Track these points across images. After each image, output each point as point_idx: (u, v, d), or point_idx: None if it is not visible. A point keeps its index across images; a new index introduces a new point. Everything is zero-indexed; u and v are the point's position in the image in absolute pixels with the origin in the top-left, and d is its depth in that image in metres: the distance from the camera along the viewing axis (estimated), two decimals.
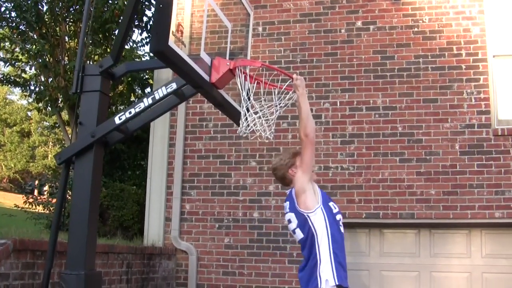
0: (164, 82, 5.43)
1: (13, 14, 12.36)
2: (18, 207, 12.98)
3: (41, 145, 48.20)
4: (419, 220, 8.39)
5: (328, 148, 8.79)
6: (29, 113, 47.80)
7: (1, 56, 14.92)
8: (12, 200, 22.46)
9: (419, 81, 8.70)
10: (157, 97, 5.22)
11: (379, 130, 8.69)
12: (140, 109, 5.22)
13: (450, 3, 8.85)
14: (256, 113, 4.97)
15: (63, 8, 12.32)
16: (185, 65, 4.60)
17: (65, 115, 14.22)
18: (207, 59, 5.05)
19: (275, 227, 8.71)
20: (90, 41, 11.79)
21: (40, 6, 12.34)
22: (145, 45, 14.05)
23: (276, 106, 4.99)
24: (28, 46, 12.15)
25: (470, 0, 8.81)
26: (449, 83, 8.62)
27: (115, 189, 10.77)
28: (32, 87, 13.40)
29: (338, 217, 4.69)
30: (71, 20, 12.61)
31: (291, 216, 4.68)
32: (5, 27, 12.87)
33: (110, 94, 6.54)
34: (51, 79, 12.42)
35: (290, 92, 5.02)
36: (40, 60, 12.34)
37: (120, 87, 13.52)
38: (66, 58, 12.44)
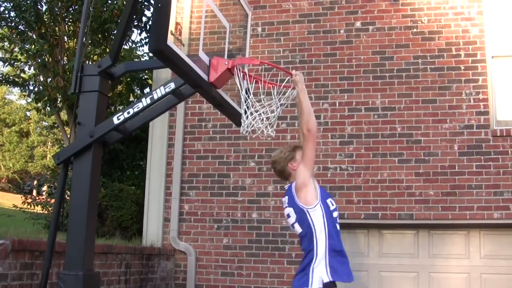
0: (163, 82, 5.42)
1: (12, 14, 12.36)
2: (17, 207, 12.97)
3: (40, 145, 48.25)
4: (418, 221, 8.40)
5: (327, 149, 8.79)
6: (28, 113, 47.86)
7: (0, 56, 14.90)
8: (11, 200, 22.48)
9: (418, 82, 8.70)
10: (155, 97, 5.21)
11: (378, 131, 8.69)
12: (139, 109, 5.21)
13: (449, 4, 8.86)
14: (256, 111, 4.97)
15: (62, 8, 12.32)
16: (184, 65, 4.60)
17: (64, 115, 14.22)
18: (205, 58, 5.05)
19: (274, 228, 8.71)
20: (89, 41, 11.79)
21: (39, 6, 12.34)
22: (145, 45, 14.07)
23: (277, 103, 4.99)
24: (27, 46, 12.14)
25: (469, 1, 8.82)
26: (448, 83, 8.62)
27: (114, 189, 10.77)
28: (31, 87, 13.39)
29: (335, 214, 4.69)
30: (71, 20, 12.61)
31: (290, 210, 4.69)
32: (4, 27, 12.86)
33: (109, 94, 6.54)
34: (50, 79, 12.42)
35: (290, 89, 5.02)
36: (39, 60, 12.33)
37: (119, 87, 13.51)
38: (65, 58, 12.44)
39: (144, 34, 13.89)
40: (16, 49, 12.89)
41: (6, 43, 13.27)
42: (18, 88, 14.18)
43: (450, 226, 8.46)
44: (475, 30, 8.73)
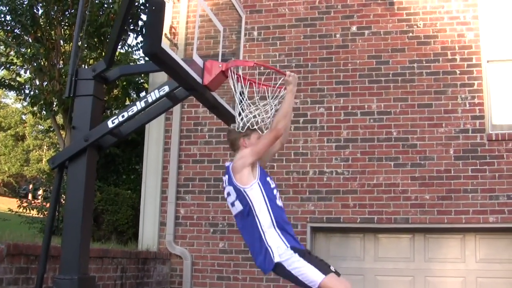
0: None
1: (8, 17, 12.35)
2: (12, 211, 12.96)
3: (36, 148, 48.17)
4: (413, 225, 8.39)
5: (323, 153, 8.79)
6: (23, 117, 47.76)
7: None
8: (6, 204, 22.42)
9: (414, 86, 8.71)
10: (149, 100, 5.21)
11: (374, 135, 8.69)
12: (133, 112, 5.21)
13: (444, 9, 8.88)
14: (251, 112, 4.98)
15: (58, 11, 12.31)
16: (178, 67, 4.60)
17: (59, 119, 14.19)
18: (199, 61, 5.05)
19: None
20: (85, 45, 11.78)
21: (35, 10, 12.33)
22: (140, 49, 14.04)
23: (271, 105, 5.00)
24: (23, 50, 12.13)
25: (465, 6, 8.84)
26: (443, 88, 8.63)
27: (109, 193, 10.75)
28: (27, 91, 13.36)
29: (275, 191, 4.80)
30: (67, 24, 12.59)
31: (230, 189, 4.79)
32: (0, 31, 12.85)
33: (105, 98, 6.54)
34: (46, 82, 12.40)
35: (283, 90, 5.03)
36: (35, 64, 12.32)
37: (115, 91, 13.50)
38: (61, 61, 12.43)
39: (140, 38, 13.86)
40: (12, 52, 12.88)
41: (2, 47, 13.27)
42: (14, 91, 14.17)
43: (446, 230, 8.47)
44: (471, 34, 8.74)
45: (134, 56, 14.74)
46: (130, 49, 13.82)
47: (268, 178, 4.81)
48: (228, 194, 4.82)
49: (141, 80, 14.09)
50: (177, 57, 4.60)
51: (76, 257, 4.99)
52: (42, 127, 40.97)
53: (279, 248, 4.53)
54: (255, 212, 4.62)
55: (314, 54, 9.12)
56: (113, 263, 7.33)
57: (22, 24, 11.92)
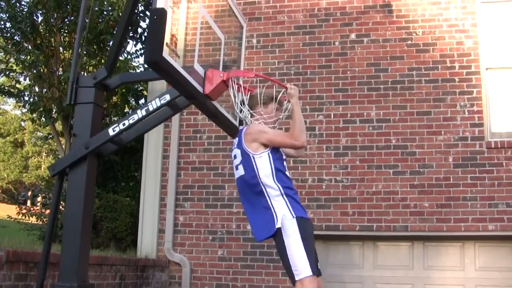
0: (158, 94, 5.43)
1: (8, 24, 12.37)
2: (11, 218, 12.94)
3: (35, 155, 48.17)
4: (412, 233, 8.40)
5: (322, 160, 8.80)
6: (22, 123, 47.77)
7: None
8: (5, 210, 22.42)
9: (413, 94, 8.73)
10: (150, 108, 5.21)
11: (373, 143, 8.70)
12: (134, 120, 5.21)
13: (443, 16, 8.90)
14: (251, 122, 5.02)
15: (58, 19, 12.33)
16: (179, 76, 4.60)
17: (58, 125, 14.20)
18: (200, 70, 5.06)
19: (269, 240, 8.68)
20: (85, 52, 11.80)
21: (35, 17, 12.35)
22: (140, 56, 14.07)
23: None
24: (23, 57, 12.15)
25: (463, 13, 8.86)
26: (442, 95, 8.65)
27: (108, 200, 10.74)
28: (26, 98, 13.38)
29: (285, 163, 4.93)
30: (66, 31, 12.61)
31: (237, 152, 4.89)
32: (0, 37, 12.86)
33: (104, 105, 6.54)
34: (45, 89, 12.41)
35: (285, 102, 5.09)
36: (35, 71, 12.33)
37: (115, 98, 13.51)
38: (61, 68, 12.45)
39: (139, 45, 13.88)
40: (12, 59, 12.89)
41: (1, 54, 13.28)
42: (13, 98, 14.18)
43: (445, 238, 8.47)
44: (470, 42, 8.77)
45: (134, 64, 14.78)
46: (129, 57, 13.83)
47: (281, 149, 4.91)
48: (235, 156, 4.92)
49: (140, 88, 14.11)
50: (178, 66, 4.61)
51: (75, 264, 4.98)
52: (41, 134, 41.03)
53: (284, 216, 4.58)
54: (261, 180, 4.70)
55: (313, 61, 9.14)
56: (112, 270, 7.32)
57: (21, 31, 11.95)
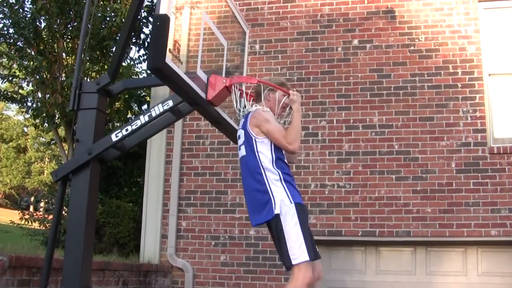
0: (161, 99, 5.45)
1: (11, 30, 12.39)
2: (14, 223, 12.94)
3: (37, 161, 48.22)
4: (415, 238, 8.39)
5: (324, 166, 8.80)
6: (25, 129, 47.84)
7: None
8: (8, 216, 22.38)
9: (415, 100, 8.74)
10: (153, 114, 5.23)
11: (376, 148, 8.71)
12: (137, 126, 5.23)
13: (446, 22, 8.91)
14: None
15: (61, 24, 12.35)
16: (182, 82, 4.62)
17: (61, 131, 14.22)
18: (203, 76, 5.07)
19: (272, 245, 8.63)
20: (88, 58, 11.81)
21: (38, 23, 12.37)
22: (143, 62, 14.07)
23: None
24: (26, 63, 12.15)
25: (466, 19, 8.87)
26: (445, 101, 8.66)
27: (111, 206, 10.75)
28: (29, 103, 13.37)
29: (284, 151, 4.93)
30: (69, 37, 12.63)
31: (241, 132, 4.96)
32: (3, 43, 12.88)
33: (107, 111, 6.55)
34: (48, 95, 12.42)
35: (287, 109, 5.10)
36: (38, 77, 12.34)
37: (117, 104, 13.52)
38: (64, 74, 12.46)
39: (142, 51, 13.89)
40: (15, 65, 12.89)
41: (4, 60, 13.29)
42: (16, 104, 14.17)
43: (448, 243, 8.46)
44: (472, 48, 8.77)
45: (137, 69, 14.78)
46: (132, 62, 13.84)
47: None
48: (239, 137, 5.00)
49: (143, 93, 14.12)
50: (181, 72, 4.63)
51: (78, 270, 4.99)
52: (44, 140, 41.09)
53: (283, 201, 4.61)
54: (262, 163, 4.76)
55: (316, 67, 9.15)
56: (114, 275, 7.33)
57: (24, 37, 11.96)
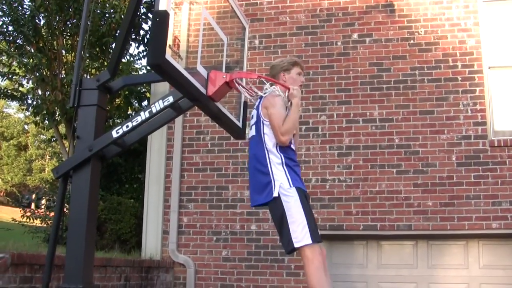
0: (161, 95, 5.44)
1: (10, 28, 12.37)
2: (16, 221, 12.95)
3: (38, 158, 48.15)
4: (416, 232, 8.40)
5: (325, 160, 8.81)
6: (26, 127, 47.79)
7: None
8: (9, 213, 22.42)
9: (415, 93, 8.74)
10: (154, 110, 5.23)
11: (376, 142, 8.71)
12: (137, 122, 5.23)
13: (445, 15, 8.91)
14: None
15: (60, 22, 12.34)
16: (182, 78, 4.62)
17: (62, 128, 14.20)
18: (203, 72, 5.07)
19: (273, 240, 8.70)
20: (87, 55, 11.80)
21: (37, 20, 12.36)
22: (142, 58, 14.07)
23: None
24: (25, 60, 12.14)
25: (465, 12, 8.87)
26: (445, 94, 8.66)
27: (112, 202, 10.76)
28: (29, 101, 13.36)
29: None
30: (68, 34, 12.61)
31: (254, 113, 5.06)
32: (2, 41, 12.86)
33: (107, 108, 6.55)
34: (48, 92, 12.41)
35: (288, 103, 5.11)
36: (37, 74, 12.33)
37: (117, 101, 13.51)
38: (63, 71, 12.44)
39: (142, 47, 13.87)
40: (14, 63, 12.88)
41: (4, 57, 13.28)
42: (16, 101, 14.16)
43: (449, 236, 8.47)
44: (472, 41, 8.77)
45: (136, 66, 14.77)
46: (132, 59, 13.83)
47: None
48: (252, 116, 5.08)
49: (143, 90, 14.12)
50: (181, 68, 4.62)
51: (80, 266, 5.00)
52: (45, 137, 41.02)
53: (282, 185, 4.67)
54: (266, 145, 4.84)
55: (316, 62, 9.15)
56: (116, 272, 7.34)
57: (24, 34, 11.95)
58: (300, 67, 5.19)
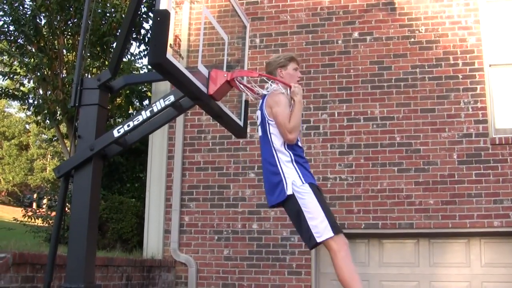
0: (162, 94, 5.44)
1: (11, 27, 12.38)
2: (17, 220, 12.95)
3: (40, 158, 48.16)
4: (418, 230, 8.40)
5: (326, 159, 8.81)
6: (27, 126, 47.80)
7: (0, 69, 14.89)
8: (11, 213, 22.45)
9: (416, 91, 8.73)
10: (155, 109, 5.23)
11: (377, 141, 8.71)
12: (139, 122, 5.23)
13: (446, 13, 8.90)
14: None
15: (61, 21, 12.33)
16: (183, 77, 4.62)
17: (63, 128, 14.20)
18: (204, 71, 5.07)
19: (275, 239, 8.71)
20: (88, 54, 11.80)
21: (38, 20, 12.35)
22: (143, 58, 14.06)
23: None
24: (26, 60, 12.13)
25: (466, 10, 8.86)
26: (446, 92, 8.65)
27: (114, 201, 10.76)
28: (31, 100, 13.36)
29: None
30: (69, 33, 12.61)
31: (258, 113, 5.05)
32: (4, 41, 12.86)
33: (108, 107, 6.55)
34: (49, 92, 12.41)
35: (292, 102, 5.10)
36: (38, 73, 12.33)
37: (118, 100, 13.51)
38: (64, 71, 12.44)
39: (142, 47, 13.86)
40: (15, 62, 12.88)
41: (5, 57, 13.28)
42: (18, 101, 14.16)
43: (451, 234, 8.47)
44: (473, 39, 8.77)
45: (137, 65, 14.77)
46: (133, 58, 13.83)
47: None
48: (257, 117, 5.08)
49: (144, 89, 14.12)
50: (182, 67, 4.62)
51: (82, 266, 5.00)
52: (46, 137, 41.01)
53: (294, 182, 4.66)
54: (273, 144, 4.84)
55: (316, 60, 9.15)
56: (118, 271, 7.34)
57: (25, 34, 11.95)
58: (296, 62, 5.18)
